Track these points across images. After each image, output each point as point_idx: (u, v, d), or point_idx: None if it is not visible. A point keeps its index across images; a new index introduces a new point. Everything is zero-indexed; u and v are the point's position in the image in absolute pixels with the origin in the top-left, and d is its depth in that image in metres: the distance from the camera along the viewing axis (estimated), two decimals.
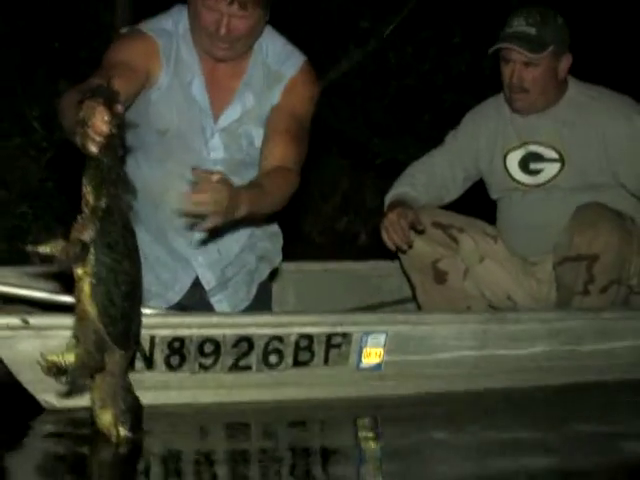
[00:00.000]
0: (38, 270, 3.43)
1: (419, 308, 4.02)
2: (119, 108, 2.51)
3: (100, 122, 2.48)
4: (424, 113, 5.90)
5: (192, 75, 3.28)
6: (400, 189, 3.97)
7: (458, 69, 5.92)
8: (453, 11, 5.95)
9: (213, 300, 3.46)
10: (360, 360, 3.30)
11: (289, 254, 3.78)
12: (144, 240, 3.28)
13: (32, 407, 3.03)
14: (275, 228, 3.60)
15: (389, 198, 3.96)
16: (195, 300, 3.44)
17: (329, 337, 3.24)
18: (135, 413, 2.71)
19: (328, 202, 5.97)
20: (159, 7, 3.36)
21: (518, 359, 3.50)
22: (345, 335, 3.26)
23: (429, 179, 4.00)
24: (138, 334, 2.73)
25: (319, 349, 3.24)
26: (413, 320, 3.47)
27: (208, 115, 3.31)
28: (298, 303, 4.12)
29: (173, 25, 3.29)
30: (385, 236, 3.79)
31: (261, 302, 3.56)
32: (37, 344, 2.86)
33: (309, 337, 3.22)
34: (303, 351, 3.22)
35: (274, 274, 3.73)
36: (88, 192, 2.57)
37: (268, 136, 3.29)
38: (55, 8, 5.77)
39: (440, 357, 3.41)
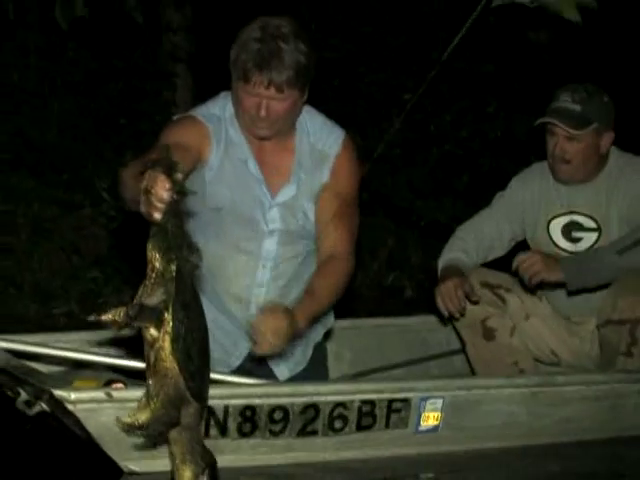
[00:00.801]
0: (109, 335, 3.40)
1: (467, 360, 3.96)
2: (179, 176, 2.45)
3: (162, 190, 2.42)
4: (463, 176, 5.84)
5: (245, 155, 3.25)
6: (453, 254, 3.89)
7: (493, 135, 5.88)
8: (487, 82, 5.91)
9: (272, 364, 3.39)
10: (419, 423, 3.24)
11: (342, 309, 3.68)
12: (207, 311, 3.13)
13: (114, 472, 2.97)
14: None
15: (443, 262, 3.89)
16: (255, 364, 3.37)
17: (390, 403, 3.18)
18: (213, 467, 2.59)
19: (376, 259, 5.90)
20: (217, 86, 3.32)
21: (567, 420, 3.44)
22: (405, 400, 3.20)
23: (478, 242, 3.93)
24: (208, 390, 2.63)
25: (381, 414, 3.18)
26: (467, 385, 3.39)
27: (264, 189, 3.27)
28: (353, 358, 4.03)
29: (220, 110, 3.26)
30: (440, 303, 3.73)
31: (317, 363, 3.51)
32: (120, 415, 2.74)
33: (371, 403, 3.15)
34: (366, 416, 3.16)
35: (328, 334, 3.65)
36: (155, 259, 2.49)
37: (321, 222, 3.29)
38: (122, 87, 5.77)
39: (493, 418, 3.34)
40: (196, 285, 2.55)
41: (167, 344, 2.49)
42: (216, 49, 5.98)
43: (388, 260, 6.01)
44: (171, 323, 2.49)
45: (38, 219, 5.18)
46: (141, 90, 5.85)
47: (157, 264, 2.49)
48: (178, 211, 2.46)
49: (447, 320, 3.96)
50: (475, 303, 3.78)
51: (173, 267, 2.48)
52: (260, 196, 3.27)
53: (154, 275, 2.50)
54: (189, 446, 2.56)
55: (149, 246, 2.49)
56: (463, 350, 3.99)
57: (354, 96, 5.78)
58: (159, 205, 2.42)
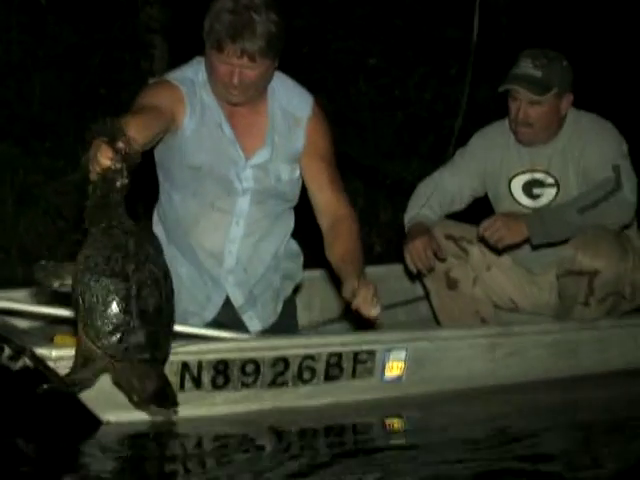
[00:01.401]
0: None
1: (431, 308, 3.95)
2: (121, 145, 2.46)
3: (103, 157, 2.44)
4: (428, 137, 5.79)
5: (219, 118, 3.21)
6: (417, 210, 3.86)
7: (455, 98, 5.81)
8: (449, 48, 5.85)
9: (244, 317, 3.36)
10: (384, 373, 3.22)
11: (316, 263, 3.73)
12: (179, 262, 3.30)
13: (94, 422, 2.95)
14: (296, 248, 3.51)
15: (408, 220, 3.86)
16: (228, 317, 3.34)
17: (356, 355, 3.15)
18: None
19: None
20: (192, 56, 3.27)
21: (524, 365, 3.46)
22: (370, 352, 3.17)
23: (441, 197, 3.89)
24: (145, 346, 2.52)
25: (347, 365, 3.15)
26: (429, 336, 3.37)
27: (239, 150, 3.23)
28: (323, 306, 4.03)
29: (194, 74, 3.22)
30: (409, 261, 3.72)
31: (287, 316, 3.49)
32: None
33: (338, 355, 3.13)
34: (333, 367, 3.13)
35: (297, 289, 3.62)
36: (86, 215, 2.51)
37: (317, 188, 3.31)
38: (101, 59, 5.69)
39: (454, 367, 3.34)
40: (127, 248, 2.49)
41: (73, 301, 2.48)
42: (191, 21, 5.93)
43: (359, 218, 5.96)
44: (76, 279, 2.47)
45: (23, 185, 5.14)
46: (120, 61, 5.78)
47: (86, 223, 2.51)
48: (116, 178, 2.46)
49: (414, 274, 3.92)
50: (442, 260, 3.76)
51: (94, 229, 2.48)
52: (234, 157, 3.23)
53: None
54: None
55: (86, 204, 2.50)
56: (427, 298, 3.98)
57: (322, 62, 5.72)
58: (98, 169, 2.44)
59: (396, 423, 3.27)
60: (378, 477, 2.70)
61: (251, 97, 3.18)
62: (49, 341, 3.16)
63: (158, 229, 3.37)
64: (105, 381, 2.73)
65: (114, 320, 2.44)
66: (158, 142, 3.12)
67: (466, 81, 4.28)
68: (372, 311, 3.05)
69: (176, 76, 3.21)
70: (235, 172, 3.24)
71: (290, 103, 3.28)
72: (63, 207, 5.14)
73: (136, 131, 2.78)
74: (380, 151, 5.52)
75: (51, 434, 2.90)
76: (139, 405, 2.68)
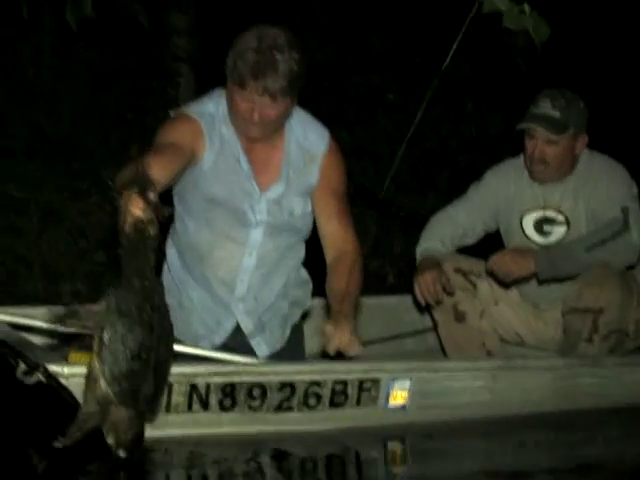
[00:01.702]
0: None
1: (439, 339, 3.94)
2: (152, 196, 2.46)
3: (135, 208, 2.44)
4: (443, 172, 5.77)
5: (237, 152, 3.20)
6: (429, 244, 3.87)
7: (469, 134, 5.80)
8: (464, 85, 5.86)
9: (253, 342, 3.35)
10: (387, 401, 3.19)
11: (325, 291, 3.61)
12: (192, 287, 3.30)
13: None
14: (305, 276, 3.50)
15: (420, 253, 3.87)
16: (237, 342, 3.34)
17: (361, 383, 3.12)
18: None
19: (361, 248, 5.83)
20: (217, 85, 3.26)
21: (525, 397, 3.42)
22: (375, 380, 3.14)
23: (453, 231, 3.90)
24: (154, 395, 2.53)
25: (352, 393, 3.12)
26: (433, 367, 3.36)
27: (254, 184, 3.22)
28: None
29: (214, 108, 3.19)
30: (419, 294, 3.73)
31: (294, 342, 3.48)
32: None
33: (344, 382, 3.10)
34: (338, 394, 3.10)
35: (306, 315, 3.61)
36: (120, 261, 2.50)
37: (325, 221, 3.29)
38: (129, 85, 5.72)
39: (456, 397, 3.30)
40: (154, 299, 2.49)
41: (95, 344, 2.46)
42: (216, 50, 5.94)
43: (372, 248, 5.95)
44: (101, 339, 2.45)
45: (48, 205, 5.12)
46: (147, 88, 5.79)
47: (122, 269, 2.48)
48: (148, 228, 2.45)
49: (423, 306, 3.92)
50: (450, 294, 3.75)
51: (128, 277, 2.46)
52: (250, 190, 3.21)
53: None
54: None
55: (119, 252, 2.49)
56: (435, 329, 3.97)
57: (342, 96, 5.73)
58: (130, 220, 2.43)
59: (397, 451, 3.24)
60: None
61: (269, 133, 3.17)
62: (64, 358, 3.16)
63: (171, 252, 3.37)
64: None
65: (135, 369, 2.43)
66: (179, 178, 3.11)
67: (420, 108, 4.29)
68: (346, 352, 3.08)
69: (197, 110, 3.19)
70: (249, 205, 3.22)
71: (306, 139, 3.26)
72: (85, 227, 5.14)
73: (158, 172, 2.79)
74: (395, 184, 5.51)
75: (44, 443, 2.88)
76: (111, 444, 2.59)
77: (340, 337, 3.05)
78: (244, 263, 3.28)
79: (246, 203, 3.22)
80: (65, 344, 3.27)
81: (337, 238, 3.26)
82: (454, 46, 4.21)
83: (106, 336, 2.42)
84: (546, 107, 3.70)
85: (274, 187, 3.24)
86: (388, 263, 5.83)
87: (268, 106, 3.05)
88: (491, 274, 3.71)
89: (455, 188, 4.18)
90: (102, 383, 2.44)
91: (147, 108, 5.74)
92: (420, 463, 3.10)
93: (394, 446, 3.22)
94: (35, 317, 3.35)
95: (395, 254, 5.87)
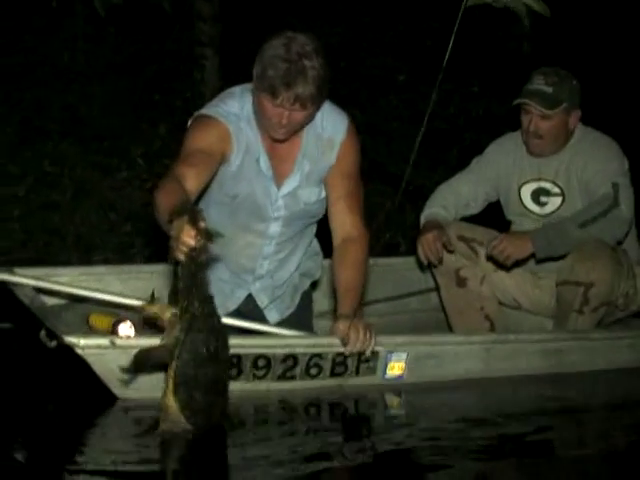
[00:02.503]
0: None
1: (440, 301, 3.88)
2: (202, 225, 2.42)
3: (187, 237, 2.41)
4: (450, 149, 5.71)
5: (258, 152, 3.09)
6: (433, 209, 3.82)
7: (476, 113, 5.74)
8: (472, 66, 5.79)
9: (265, 309, 3.32)
10: (385, 372, 3.14)
11: None
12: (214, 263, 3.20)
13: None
14: (317, 248, 3.45)
15: (424, 217, 3.82)
16: (249, 309, 3.30)
17: (360, 355, 3.07)
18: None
19: (375, 220, 5.78)
20: (240, 68, 3.16)
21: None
22: (374, 353, 3.08)
23: (456, 199, 3.85)
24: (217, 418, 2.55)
25: (352, 364, 3.07)
26: (430, 341, 3.29)
27: (272, 184, 3.14)
28: None
29: (239, 109, 3.07)
30: (421, 252, 3.67)
31: (303, 308, 3.43)
32: (121, 359, 2.71)
33: (344, 354, 3.05)
34: (339, 365, 3.05)
35: (315, 283, 3.55)
36: (181, 296, 2.48)
37: (334, 202, 3.18)
38: (157, 68, 5.68)
39: (451, 370, 3.26)
40: (215, 325, 2.48)
41: (170, 385, 2.45)
42: (239, 35, 5.93)
43: (386, 220, 5.89)
44: (174, 367, 2.44)
45: (81, 180, 5.11)
46: (174, 71, 5.76)
47: (181, 300, 2.48)
48: (201, 255, 2.44)
49: (426, 266, 3.88)
50: (451, 252, 3.69)
51: (193, 308, 2.45)
52: (269, 189, 3.13)
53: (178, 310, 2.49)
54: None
55: (178, 283, 2.47)
56: (438, 291, 3.91)
57: (356, 77, 5.66)
58: (184, 249, 2.40)
59: (395, 402, 3.20)
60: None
61: (294, 134, 3.07)
62: (84, 320, 3.13)
63: None
64: (121, 359, 2.68)
65: (205, 399, 2.45)
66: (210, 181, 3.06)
67: (433, 93, 4.24)
68: (365, 350, 3.03)
69: (222, 111, 3.05)
70: (269, 202, 3.15)
71: (326, 129, 3.14)
72: (115, 201, 5.12)
73: (192, 183, 2.80)
74: (405, 159, 5.46)
75: (67, 407, 2.86)
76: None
77: (354, 341, 2.99)
78: (264, 251, 3.24)
79: (266, 200, 3.14)
80: (86, 306, 3.24)
81: (345, 220, 3.15)
82: (455, 30, 4.15)
83: (177, 369, 2.44)
84: (540, 84, 3.64)
85: (288, 181, 3.15)
86: (400, 234, 5.76)
87: (297, 112, 2.95)
88: (491, 259, 3.64)
89: (462, 164, 4.12)
90: (175, 407, 2.47)
91: (174, 90, 5.73)
92: (417, 412, 3.08)
93: (391, 399, 3.18)
94: (61, 276, 3.33)
95: (407, 226, 5.81)
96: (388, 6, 5.90)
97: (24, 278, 3.19)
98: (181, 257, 2.42)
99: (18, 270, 3.29)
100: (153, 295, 2.61)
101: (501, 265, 3.64)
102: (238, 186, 3.11)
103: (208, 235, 2.42)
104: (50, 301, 3.27)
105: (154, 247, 4.69)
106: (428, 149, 5.62)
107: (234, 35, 5.90)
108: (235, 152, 3.05)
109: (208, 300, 2.50)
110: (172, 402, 2.45)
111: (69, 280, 3.35)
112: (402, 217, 5.93)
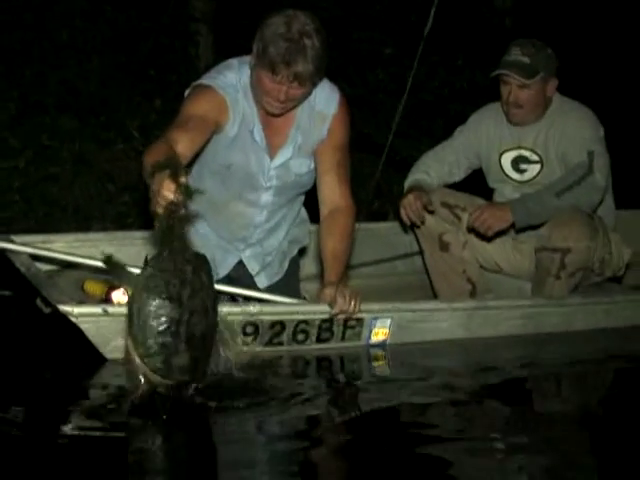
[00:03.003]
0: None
1: (424, 265, 3.86)
2: (183, 180, 2.36)
3: (167, 191, 2.33)
4: (435, 120, 5.66)
5: (253, 123, 3.06)
6: (417, 175, 3.80)
7: (460, 85, 5.69)
8: (456, 40, 5.74)
9: (254, 274, 3.30)
10: (370, 338, 3.12)
11: None
12: (203, 226, 3.22)
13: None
14: (304, 216, 3.43)
15: (408, 183, 3.81)
16: (239, 274, 3.28)
17: (346, 321, 3.06)
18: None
19: (364, 189, 5.73)
20: (232, 43, 3.10)
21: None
22: (359, 319, 3.07)
23: (439, 167, 3.82)
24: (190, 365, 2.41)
25: (337, 330, 3.05)
26: (412, 308, 3.26)
27: (266, 154, 3.10)
28: None
29: (236, 80, 3.04)
30: (402, 213, 3.65)
31: (291, 275, 3.42)
32: (112, 326, 2.72)
33: (330, 321, 3.03)
34: (325, 331, 3.03)
35: (302, 250, 3.54)
36: (155, 240, 2.43)
37: (323, 172, 3.14)
38: (152, 44, 5.60)
39: (433, 335, 3.25)
40: (186, 275, 2.38)
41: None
42: (232, 12, 5.86)
43: (375, 190, 5.84)
44: (133, 302, 2.36)
45: (79, 153, 5.05)
46: (169, 46, 5.67)
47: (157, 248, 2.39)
48: (179, 208, 2.35)
49: (409, 229, 3.86)
50: (431, 213, 3.66)
51: (158, 252, 2.36)
52: (262, 159, 3.10)
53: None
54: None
55: (154, 233, 2.40)
56: (422, 255, 3.89)
57: (344, 51, 5.60)
58: (163, 203, 2.34)
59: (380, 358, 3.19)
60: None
61: (289, 109, 3.04)
62: (79, 287, 3.10)
63: None
64: (112, 322, 2.64)
65: (163, 341, 2.33)
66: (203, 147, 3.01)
67: (414, 64, 4.22)
68: (351, 313, 3.02)
69: (220, 82, 3.02)
70: (261, 172, 3.12)
71: (318, 103, 3.11)
72: (113, 173, 5.07)
73: (184, 147, 2.75)
74: (392, 130, 5.42)
75: (57, 367, 2.83)
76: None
77: (341, 304, 2.97)
78: (255, 220, 3.21)
79: (259, 170, 3.12)
80: (81, 272, 3.21)
81: (332, 192, 3.12)
82: (435, 3, 4.09)
83: (134, 312, 2.34)
84: (517, 55, 3.62)
85: (281, 152, 3.12)
86: (388, 203, 5.71)
87: (296, 88, 2.92)
88: (472, 230, 3.61)
89: (447, 134, 4.09)
90: (135, 357, 2.36)
91: (169, 65, 5.66)
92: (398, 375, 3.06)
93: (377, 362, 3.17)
94: (55, 242, 3.30)
95: (394, 195, 5.76)
96: None
97: (19, 246, 3.16)
98: (160, 210, 2.37)
99: (15, 237, 3.25)
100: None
101: (483, 236, 3.61)
102: (232, 156, 3.07)
103: (188, 191, 2.36)
104: (46, 267, 3.24)
105: (150, 216, 4.65)
106: (414, 120, 5.60)
107: (228, 11, 5.83)
108: (231, 122, 3.02)
109: (188, 253, 2.40)
110: (130, 342, 2.38)
111: (64, 247, 3.32)
112: (390, 186, 5.89)
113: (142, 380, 2.36)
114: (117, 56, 5.42)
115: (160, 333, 2.31)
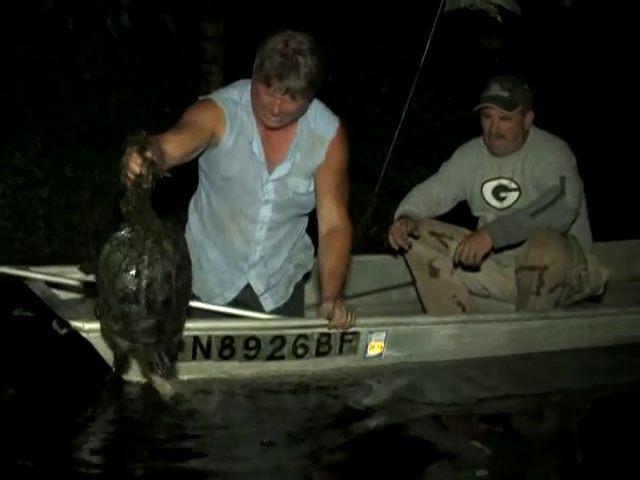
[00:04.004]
0: None
1: (417, 292, 3.81)
2: (149, 154, 2.26)
3: (134, 164, 2.25)
4: (429, 151, 5.61)
5: (252, 136, 3.00)
6: (406, 207, 3.76)
7: (451, 119, 5.65)
8: (446, 78, 5.71)
9: (261, 298, 3.20)
10: (366, 351, 3.06)
11: None
12: (211, 249, 3.17)
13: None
14: (308, 241, 3.34)
15: (398, 213, 3.77)
16: (247, 298, 3.20)
17: (343, 335, 2.99)
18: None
19: (362, 216, 5.66)
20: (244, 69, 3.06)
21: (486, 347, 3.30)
22: (355, 333, 3.01)
23: (427, 199, 3.77)
24: (151, 331, 2.31)
25: (335, 344, 2.99)
26: (406, 322, 3.19)
27: (264, 167, 3.04)
28: None
29: (238, 96, 3.00)
30: (391, 239, 3.60)
31: (296, 298, 3.33)
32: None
33: (327, 335, 2.97)
34: (323, 345, 2.97)
35: (307, 275, 3.45)
36: (127, 219, 2.30)
37: (322, 194, 3.07)
38: (167, 83, 5.58)
39: (426, 347, 3.19)
40: (152, 247, 2.27)
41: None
42: (242, 54, 5.80)
43: (373, 216, 5.77)
44: (96, 278, 2.29)
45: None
46: (183, 85, 5.63)
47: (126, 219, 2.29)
48: (142, 181, 2.26)
49: (401, 255, 3.81)
50: (416, 238, 3.62)
51: (121, 226, 2.28)
52: (260, 172, 3.04)
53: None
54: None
55: (121, 202, 2.30)
56: (414, 283, 3.83)
57: (343, 88, 5.57)
58: (130, 175, 2.25)
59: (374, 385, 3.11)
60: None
61: (286, 124, 2.98)
62: (93, 310, 3.02)
63: (193, 216, 3.22)
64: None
65: (124, 310, 2.27)
66: (201, 153, 2.94)
67: (407, 100, 4.17)
68: (347, 327, 2.96)
69: (221, 97, 3.00)
70: (260, 185, 3.05)
71: (317, 126, 3.06)
72: None
73: (173, 147, 2.64)
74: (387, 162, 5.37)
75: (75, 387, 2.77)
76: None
77: (339, 317, 2.92)
78: (256, 236, 3.13)
79: (257, 183, 3.05)
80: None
81: (330, 213, 3.04)
82: (427, 43, 4.05)
83: (98, 286, 2.28)
84: (496, 89, 3.59)
85: (279, 167, 3.06)
86: (384, 230, 5.63)
87: (288, 102, 2.88)
88: (460, 264, 3.53)
89: (439, 165, 4.02)
90: (104, 321, 2.31)
91: (183, 103, 5.51)
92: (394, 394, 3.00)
93: (372, 380, 3.09)
94: (69, 274, 3.22)
95: (390, 223, 5.69)
96: (371, 25, 5.80)
97: (35, 273, 3.12)
98: (127, 182, 2.29)
99: (32, 268, 3.19)
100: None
101: (472, 268, 3.55)
102: (231, 168, 3.01)
103: (153, 165, 2.27)
104: (63, 296, 3.18)
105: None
106: (408, 152, 5.55)
107: (237, 53, 5.79)
108: (227, 133, 2.96)
109: (153, 224, 2.30)
110: (99, 312, 2.32)
111: (79, 276, 3.24)
112: (386, 215, 5.82)
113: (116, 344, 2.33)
114: (135, 94, 5.39)
115: (120, 302, 2.25)
